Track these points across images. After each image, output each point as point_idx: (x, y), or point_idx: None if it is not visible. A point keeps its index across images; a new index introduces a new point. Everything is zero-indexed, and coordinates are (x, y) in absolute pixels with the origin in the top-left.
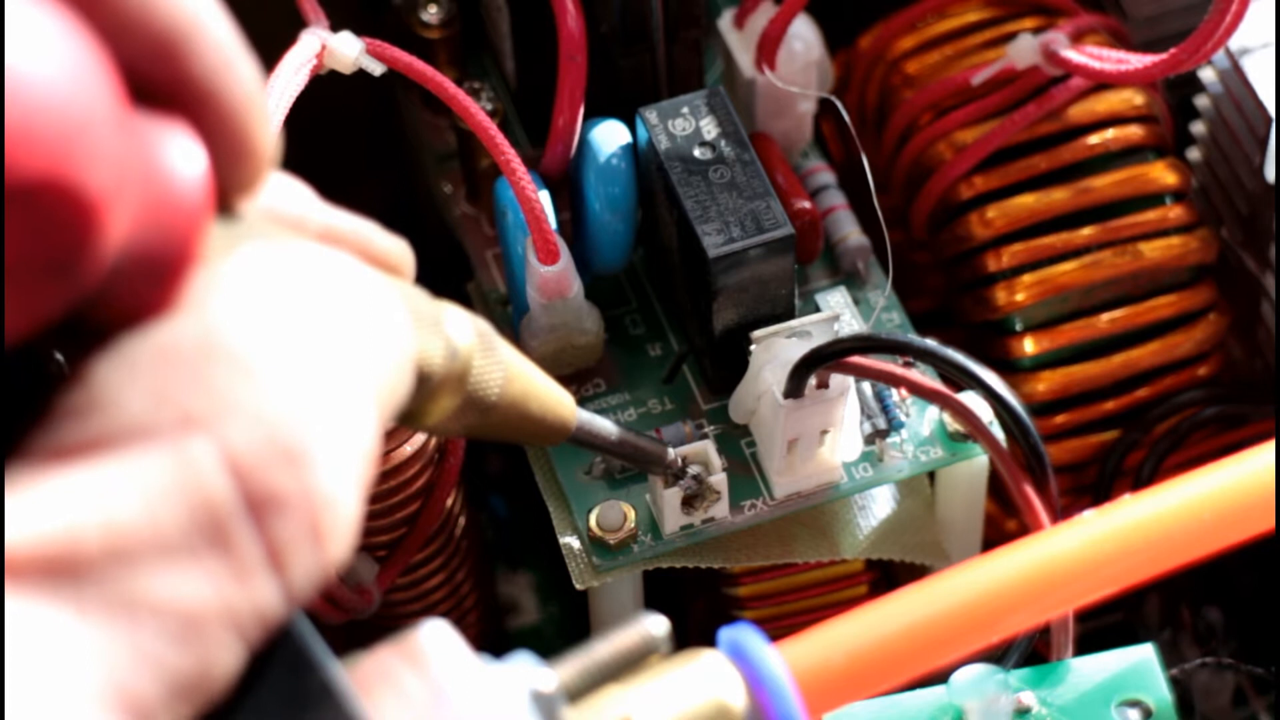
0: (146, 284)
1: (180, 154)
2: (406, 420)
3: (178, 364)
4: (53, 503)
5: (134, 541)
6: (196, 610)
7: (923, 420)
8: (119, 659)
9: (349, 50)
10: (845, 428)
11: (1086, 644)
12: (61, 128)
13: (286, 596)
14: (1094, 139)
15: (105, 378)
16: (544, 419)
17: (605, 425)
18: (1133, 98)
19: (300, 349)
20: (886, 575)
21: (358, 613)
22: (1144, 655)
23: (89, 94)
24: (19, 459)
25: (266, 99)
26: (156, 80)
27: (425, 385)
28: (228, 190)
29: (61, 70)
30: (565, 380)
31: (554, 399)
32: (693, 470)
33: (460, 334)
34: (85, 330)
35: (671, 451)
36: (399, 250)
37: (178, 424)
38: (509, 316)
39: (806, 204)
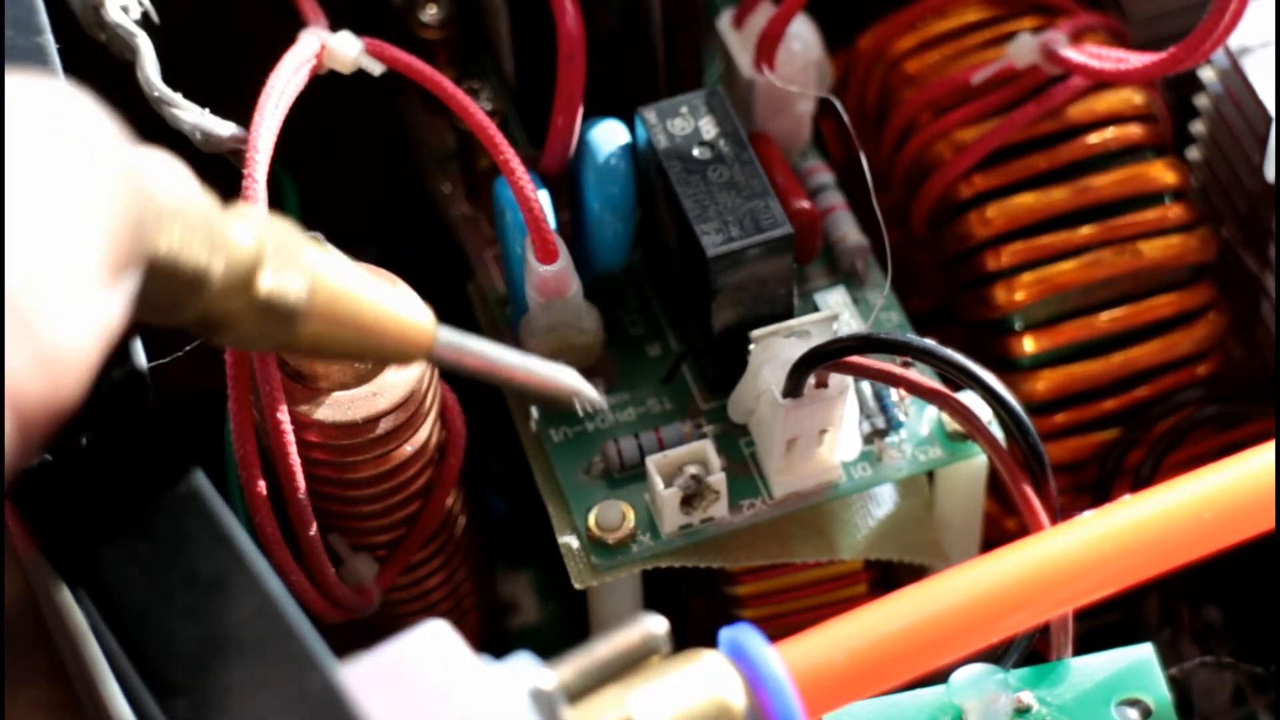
0: None
1: None
2: (204, 328)
3: None
4: None
5: None
6: None
7: (921, 420)
8: None
9: (348, 50)
10: (844, 427)
11: (1086, 643)
12: None
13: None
14: (1093, 138)
15: None
16: (384, 332)
17: (479, 345)
18: (1132, 97)
19: None
20: (886, 575)
21: (358, 613)
22: (1143, 654)
23: None
24: None
25: None
26: None
27: (198, 283)
28: None
29: None
30: None
31: (394, 313)
32: (692, 470)
33: (244, 234)
34: None
35: (571, 377)
36: None
37: None
38: (508, 316)
39: (805, 204)
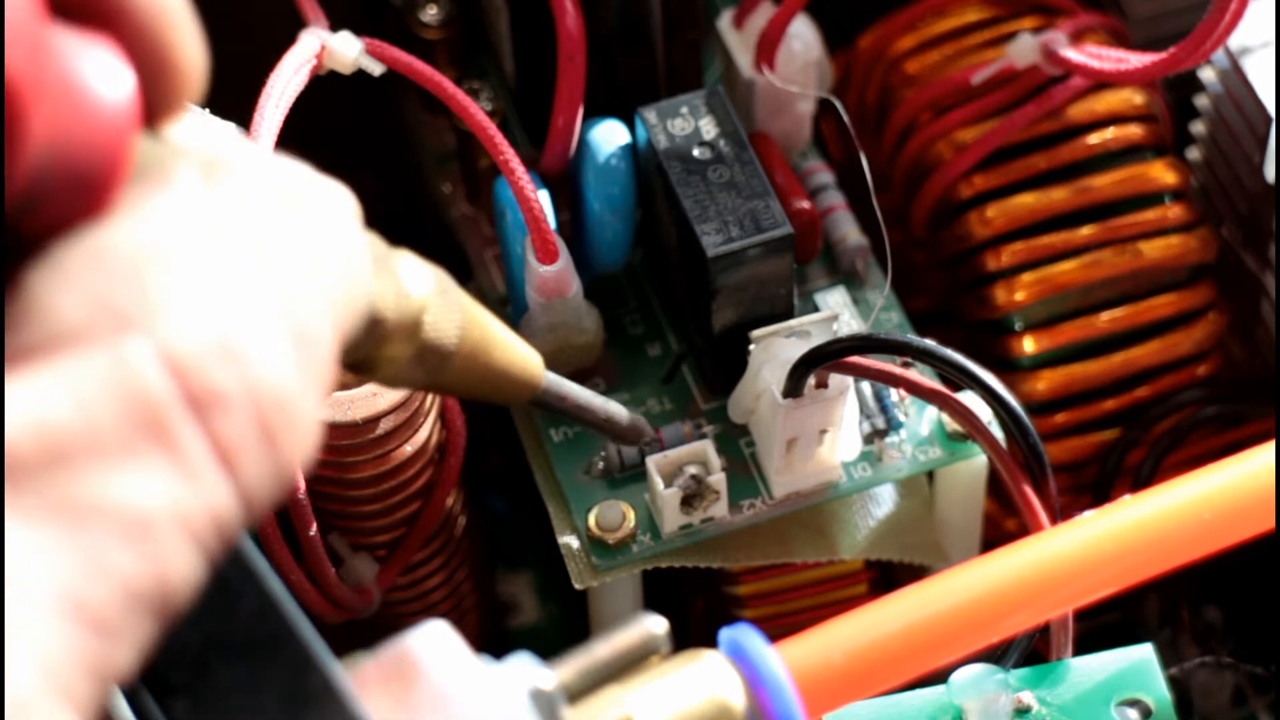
0: (75, 196)
1: (102, 67)
2: (360, 369)
3: (110, 266)
4: None
5: (69, 442)
6: (145, 512)
7: (921, 420)
8: (69, 565)
9: (348, 50)
10: (844, 427)
11: (1086, 643)
12: None
13: (242, 500)
14: (1094, 138)
15: (37, 286)
16: (507, 374)
17: (575, 389)
18: (1132, 97)
19: (242, 249)
20: (886, 575)
21: (358, 613)
22: (1143, 654)
23: None
24: None
25: (185, 17)
26: None
27: (376, 330)
28: (154, 109)
29: None
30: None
31: (518, 355)
32: (692, 470)
33: (415, 280)
34: (20, 245)
35: (645, 423)
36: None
37: (112, 325)
38: (508, 316)
39: (805, 204)
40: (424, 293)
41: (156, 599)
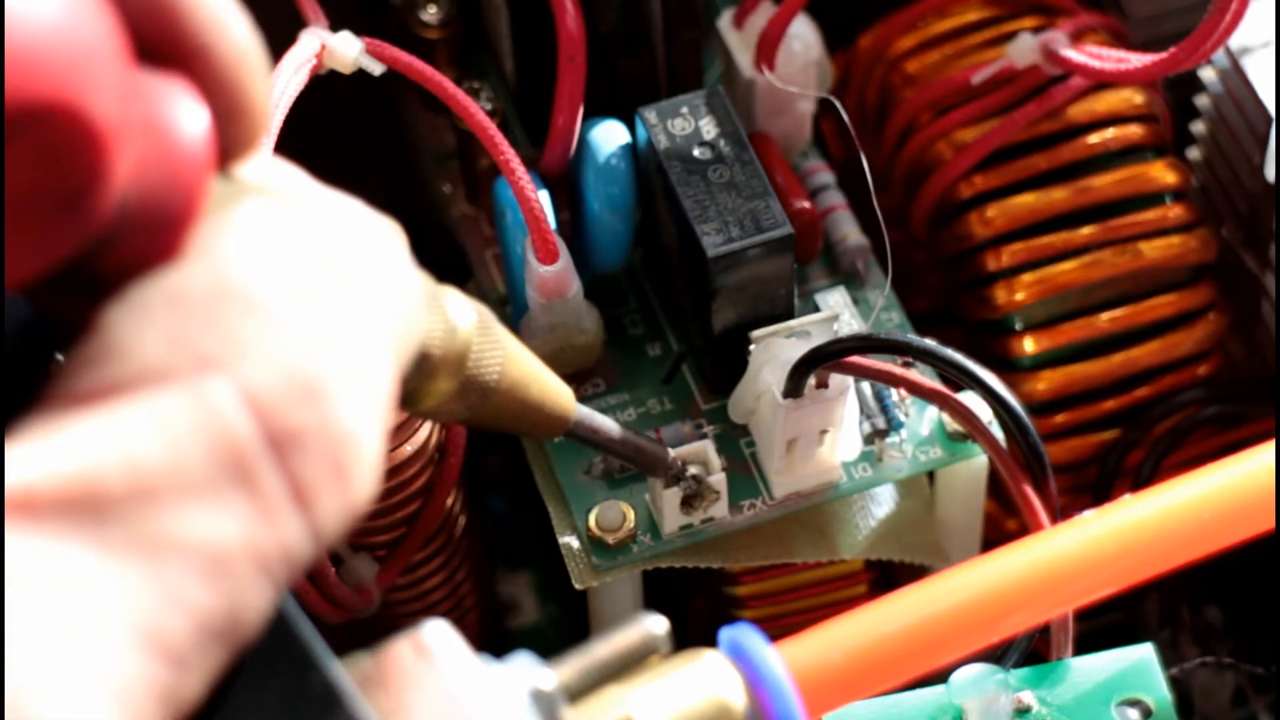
0: (153, 235)
1: (183, 109)
2: (404, 403)
3: (190, 307)
4: (72, 442)
5: (156, 479)
6: (223, 548)
7: (922, 420)
8: (147, 599)
9: (348, 50)
10: (844, 427)
11: (1086, 643)
12: (65, 56)
13: (312, 536)
14: (1094, 138)
15: (118, 324)
16: (543, 408)
17: (605, 422)
18: (1132, 97)
19: (313, 289)
20: (886, 575)
21: (358, 613)
22: (1143, 655)
23: (91, 29)
24: (36, 407)
25: (261, 60)
26: (154, 38)
27: (423, 365)
28: (226, 150)
29: (63, 4)
30: (564, 380)
31: (553, 389)
32: (692, 470)
33: (460, 315)
34: (95, 282)
35: (672, 453)
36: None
37: (194, 365)
38: (508, 316)
39: (806, 204)
40: (468, 328)
41: (227, 631)
